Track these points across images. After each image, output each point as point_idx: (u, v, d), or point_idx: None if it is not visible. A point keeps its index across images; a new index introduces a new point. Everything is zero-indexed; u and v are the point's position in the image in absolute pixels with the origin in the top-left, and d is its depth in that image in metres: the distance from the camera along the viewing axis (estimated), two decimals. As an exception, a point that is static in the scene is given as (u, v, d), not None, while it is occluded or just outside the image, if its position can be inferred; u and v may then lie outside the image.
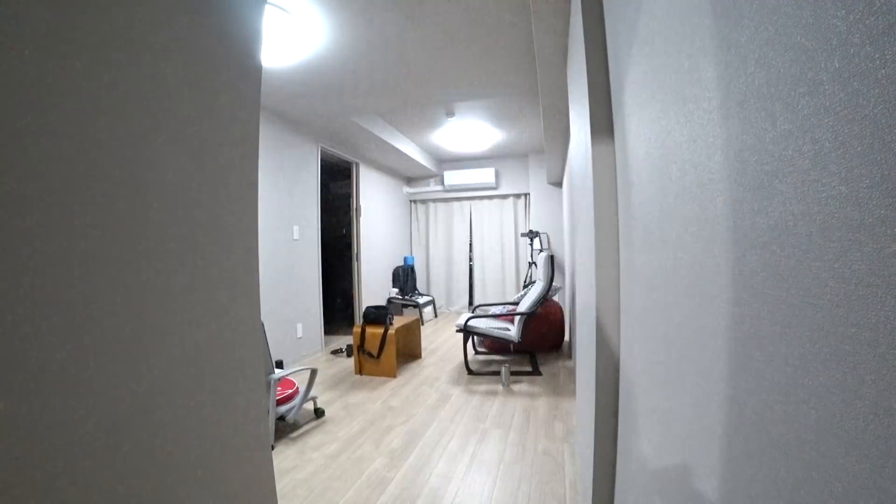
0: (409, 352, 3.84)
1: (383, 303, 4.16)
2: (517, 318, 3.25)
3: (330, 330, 4.69)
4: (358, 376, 3.33)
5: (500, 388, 2.92)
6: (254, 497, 0.71)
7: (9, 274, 0.38)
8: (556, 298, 4.06)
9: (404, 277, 5.50)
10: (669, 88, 0.55)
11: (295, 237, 3.76)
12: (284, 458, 2.00)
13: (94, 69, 0.46)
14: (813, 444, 0.27)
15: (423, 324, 5.07)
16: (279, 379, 2.11)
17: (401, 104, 3.28)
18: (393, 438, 2.18)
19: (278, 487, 1.71)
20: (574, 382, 2.75)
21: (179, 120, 0.58)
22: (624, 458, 0.93)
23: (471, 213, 5.90)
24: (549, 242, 5.18)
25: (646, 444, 0.73)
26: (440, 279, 6.00)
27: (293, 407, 2.26)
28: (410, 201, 6.14)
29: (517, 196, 5.67)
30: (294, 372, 2.32)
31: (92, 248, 0.46)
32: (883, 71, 0.21)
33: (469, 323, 3.32)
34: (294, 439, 2.20)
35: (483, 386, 2.99)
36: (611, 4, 0.94)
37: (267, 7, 1.76)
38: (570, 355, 3.66)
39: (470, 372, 3.28)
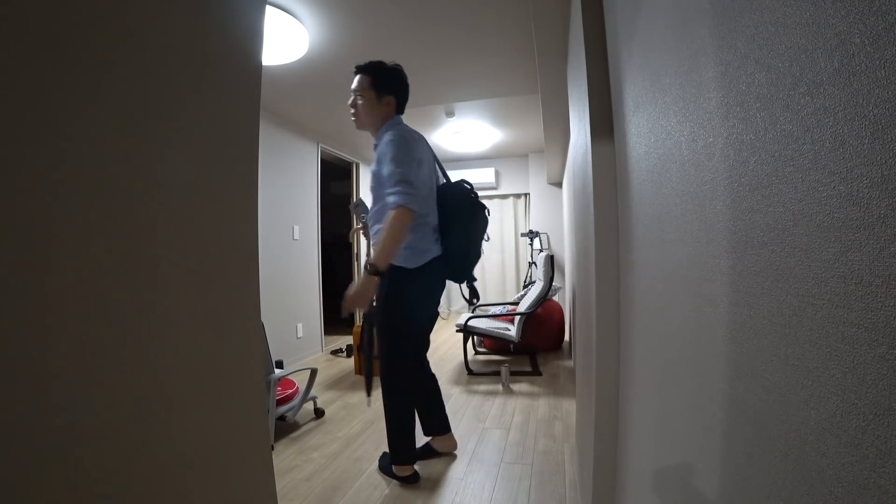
0: (409, 352, 3.83)
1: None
2: (517, 318, 3.25)
3: (330, 330, 4.69)
4: (358, 376, 3.32)
5: (500, 388, 2.92)
6: (254, 497, 0.71)
7: (9, 274, 0.38)
8: (556, 298, 4.06)
9: (404, 277, 5.49)
10: (669, 88, 0.55)
11: (295, 237, 3.76)
12: (284, 458, 2.00)
13: (93, 69, 0.46)
14: (813, 444, 0.27)
15: (423, 324, 5.06)
16: (279, 379, 2.11)
17: (401, 104, 3.28)
18: (393, 438, 2.18)
19: (278, 487, 1.71)
20: (574, 382, 2.75)
21: (179, 120, 0.58)
22: (624, 457, 0.93)
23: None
24: (549, 242, 5.18)
25: (646, 444, 0.73)
26: (440, 279, 5.99)
27: (293, 407, 2.26)
28: (410, 201, 6.13)
29: (517, 196, 5.67)
30: (294, 372, 2.32)
31: (91, 248, 0.46)
32: (883, 71, 0.21)
33: (469, 323, 3.32)
34: (294, 439, 2.20)
35: (483, 386, 2.99)
36: (611, 4, 0.94)
37: (267, 7, 1.76)
38: (570, 355, 3.66)
39: (470, 372, 3.28)
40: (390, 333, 1.72)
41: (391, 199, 1.55)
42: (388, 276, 1.63)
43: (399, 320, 1.69)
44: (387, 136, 1.64)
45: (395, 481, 1.76)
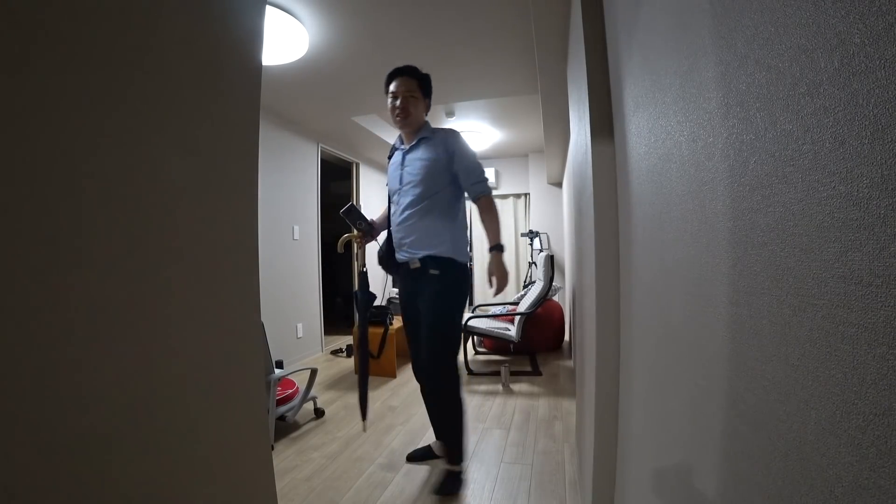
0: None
1: (383, 303, 4.22)
2: (517, 318, 3.24)
3: (330, 330, 4.69)
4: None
5: (500, 388, 2.92)
6: (254, 497, 0.71)
7: (10, 275, 0.38)
8: (556, 298, 4.06)
9: (404, 277, 5.48)
10: (669, 88, 0.55)
11: (295, 237, 3.76)
12: (284, 458, 2.00)
13: (94, 70, 0.46)
14: (813, 444, 0.27)
15: (423, 324, 5.04)
16: (279, 379, 2.11)
17: (401, 104, 3.27)
18: (393, 438, 2.18)
19: (278, 487, 1.71)
20: (574, 382, 2.75)
21: (179, 120, 0.58)
22: (624, 458, 0.93)
23: (470, 213, 5.90)
24: (549, 242, 5.18)
25: (646, 444, 0.73)
26: (440, 279, 5.99)
27: (293, 407, 2.26)
28: (410, 201, 6.13)
29: (517, 196, 5.67)
30: (294, 372, 2.32)
31: (91, 248, 0.46)
32: (883, 71, 0.21)
33: (469, 323, 3.32)
34: (294, 439, 2.20)
35: (483, 386, 2.99)
36: (611, 4, 0.94)
37: (267, 7, 1.76)
38: (570, 355, 3.66)
39: (470, 372, 3.28)
40: (451, 326, 1.74)
41: (480, 187, 1.79)
42: (441, 271, 1.71)
43: (457, 313, 1.75)
44: (450, 134, 1.79)
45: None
